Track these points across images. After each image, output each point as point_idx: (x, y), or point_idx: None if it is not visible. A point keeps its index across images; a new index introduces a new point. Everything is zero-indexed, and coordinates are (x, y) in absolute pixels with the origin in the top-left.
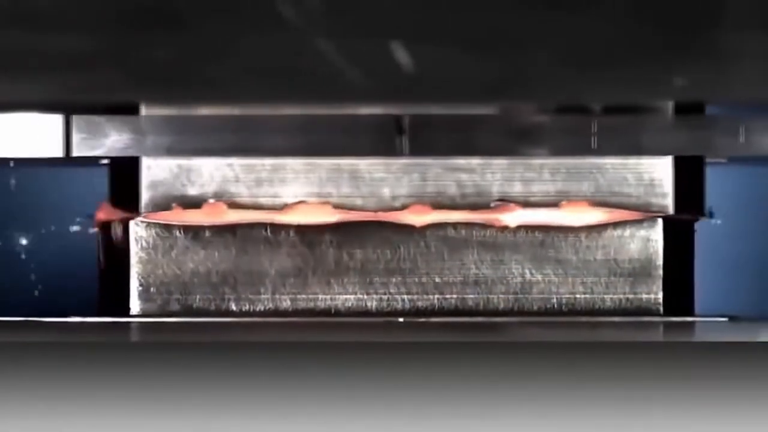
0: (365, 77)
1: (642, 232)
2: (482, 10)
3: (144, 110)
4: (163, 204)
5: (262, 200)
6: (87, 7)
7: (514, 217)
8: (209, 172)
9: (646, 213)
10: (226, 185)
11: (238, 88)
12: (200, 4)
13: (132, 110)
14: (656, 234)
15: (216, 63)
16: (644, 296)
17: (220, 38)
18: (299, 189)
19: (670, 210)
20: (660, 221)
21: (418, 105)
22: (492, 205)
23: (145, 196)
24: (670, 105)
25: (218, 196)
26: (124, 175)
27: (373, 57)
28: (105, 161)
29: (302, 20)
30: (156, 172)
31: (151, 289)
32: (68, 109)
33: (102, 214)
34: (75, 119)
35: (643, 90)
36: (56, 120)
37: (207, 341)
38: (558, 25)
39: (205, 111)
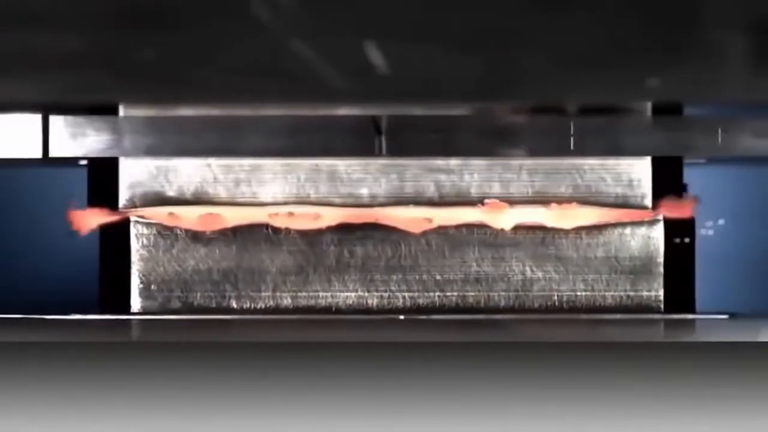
0: (346, 78)
1: (642, 230)
2: (465, 10)
3: (123, 111)
4: (145, 203)
5: (249, 203)
6: (71, 8)
7: (505, 218)
8: (188, 173)
9: (644, 213)
10: (205, 186)
11: (219, 89)
12: (183, 6)
13: (111, 111)
14: (656, 232)
15: (197, 64)
16: (645, 294)
17: (202, 40)
18: (279, 189)
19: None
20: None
21: (398, 106)
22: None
23: (125, 195)
24: (648, 106)
25: (198, 197)
26: (106, 175)
27: (353, 58)
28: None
29: (280, 21)
30: (135, 172)
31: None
32: (52, 109)
33: (82, 216)
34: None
35: (629, 90)
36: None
37: (207, 341)
38: (544, 26)
39: (184, 112)
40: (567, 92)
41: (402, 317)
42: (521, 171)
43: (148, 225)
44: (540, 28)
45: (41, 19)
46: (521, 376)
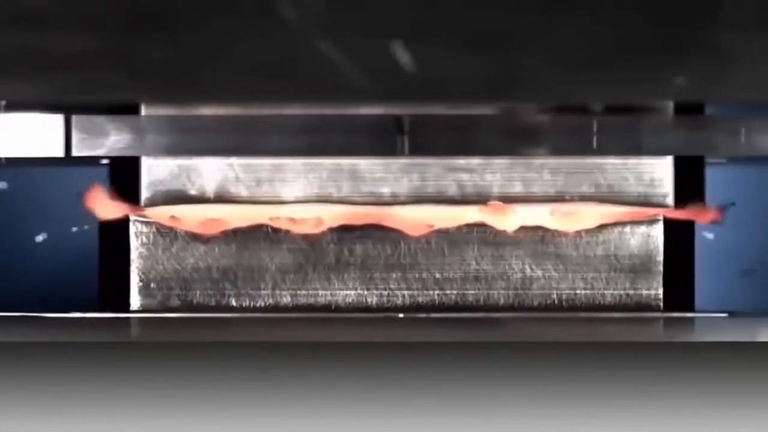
0: (365, 77)
1: (642, 228)
2: (482, 10)
3: (144, 110)
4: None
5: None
6: (86, 6)
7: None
8: (209, 172)
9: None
10: (225, 185)
11: (238, 88)
12: (200, 3)
13: (132, 110)
14: (656, 230)
15: (215, 63)
16: (644, 292)
17: (220, 38)
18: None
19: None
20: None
21: (418, 105)
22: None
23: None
24: (669, 105)
25: (218, 196)
26: (124, 174)
27: (373, 56)
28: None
29: (302, 20)
30: (156, 171)
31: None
32: (68, 109)
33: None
34: (75, 119)
35: (643, 90)
36: (58, 120)
37: (207, 341)
38: (557, 25)
39: (205, 111)
40: (586, 92)
41: (401, 315)
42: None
43: (147, 223)
44: (557, 27)
45: (50, 18)
46: (521, 376)
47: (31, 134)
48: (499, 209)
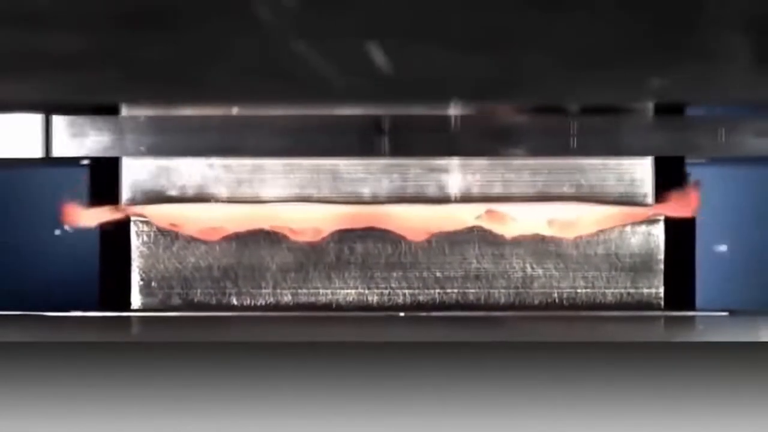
0: (350, 78)
1: (643, 227)
2: (468, 10)
3: (124, 111)
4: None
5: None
6: (78, 7)
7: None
8: (190, 172)
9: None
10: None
11: (221, 90)
12: (188, 6)
13: (112, 110)
14: (657, 228)
15: (199, 64)
16: (645, 291)
17: (203, 40)
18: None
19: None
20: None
21: (401, 105)
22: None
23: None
24: (649, 106)
25: (201, 196)
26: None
27: (357, 58)
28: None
29: (282, 21)
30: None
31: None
32: (52, 108)
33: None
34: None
35: (633, 90)
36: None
37: (208, 341)
38: (548, 26)
39: (187, 111)
40: (571, 92)
41: (402, 314)
42: None
43: (149, 222)
44: (545, 27)
45: (44, 18)
46: (521, 376)
47: (12, 134)
48: (496, 217)
